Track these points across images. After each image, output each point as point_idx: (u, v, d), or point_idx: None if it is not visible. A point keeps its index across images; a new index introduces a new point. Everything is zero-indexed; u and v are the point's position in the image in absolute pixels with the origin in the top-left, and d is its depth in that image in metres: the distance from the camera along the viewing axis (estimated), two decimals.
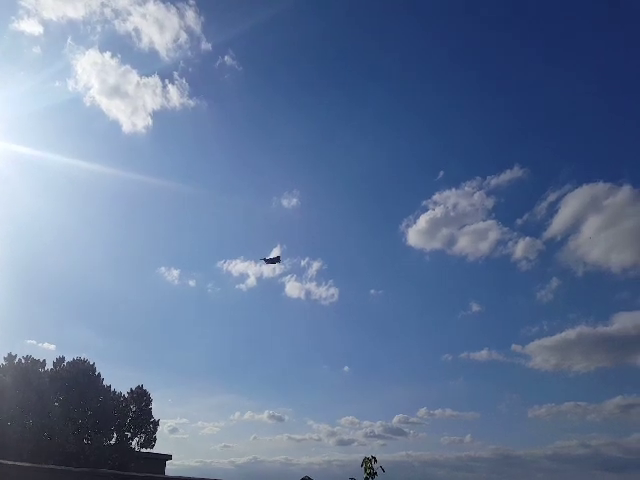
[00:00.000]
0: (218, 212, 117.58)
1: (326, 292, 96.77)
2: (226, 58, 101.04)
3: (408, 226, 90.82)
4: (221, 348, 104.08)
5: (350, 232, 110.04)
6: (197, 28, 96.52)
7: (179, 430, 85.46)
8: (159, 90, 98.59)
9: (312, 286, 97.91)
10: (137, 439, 40.56)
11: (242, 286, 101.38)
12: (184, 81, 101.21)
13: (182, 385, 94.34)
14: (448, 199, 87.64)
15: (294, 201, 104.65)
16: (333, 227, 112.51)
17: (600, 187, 75.87)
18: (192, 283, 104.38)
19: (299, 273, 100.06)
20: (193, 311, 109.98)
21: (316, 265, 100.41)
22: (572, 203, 76.68)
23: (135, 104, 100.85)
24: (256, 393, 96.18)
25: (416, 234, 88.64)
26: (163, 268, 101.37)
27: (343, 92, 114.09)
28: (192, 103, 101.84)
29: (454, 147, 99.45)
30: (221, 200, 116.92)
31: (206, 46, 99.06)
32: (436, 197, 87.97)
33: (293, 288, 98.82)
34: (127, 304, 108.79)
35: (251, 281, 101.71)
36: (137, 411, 41.22)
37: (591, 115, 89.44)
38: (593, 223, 76.21)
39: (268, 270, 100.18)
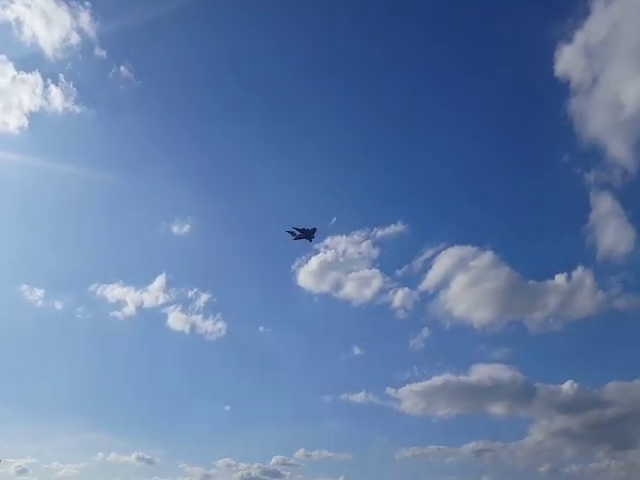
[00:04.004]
0: (95, 230, 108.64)
1: (213, 326, 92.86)
2: (122, 69, 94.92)
3: (300, 266, 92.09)
4: (87, 380, 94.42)
5: (242, 266, 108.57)
6: (91, 32, 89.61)
7: (29, 471, 79.50)
8: (39, 90, 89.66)
9: (198, 319, 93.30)
10: None
11: (118, 314, 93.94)
12: (71, 85, 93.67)
13: (36, 420, 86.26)
14: (339, 244, 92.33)
15: (186, 228, 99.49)
16: (225, 259, 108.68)
17: (468, 249, 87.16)
18: (59, 306, 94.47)
19: (185, 304, 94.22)
20: (57, 337, 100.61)
21: (204, 297, 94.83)
22: (444, 261, 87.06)
23: (8, 100, 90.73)
24: (124, 432, 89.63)
25: (306, 275, 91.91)
26: (25, 286, 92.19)
27: (246, 125, 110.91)
28: (78, 110, 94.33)
29: (349, 196, 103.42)
30: (100, 217, 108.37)
31: (100, 52, 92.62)
32: (328, 241, 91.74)
33: (177, 320, 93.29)
34: None
35: (129, 309, 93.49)
36: None
37: (465, 185, 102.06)
38: (460, 281, 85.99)
39: (150, 299, 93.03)
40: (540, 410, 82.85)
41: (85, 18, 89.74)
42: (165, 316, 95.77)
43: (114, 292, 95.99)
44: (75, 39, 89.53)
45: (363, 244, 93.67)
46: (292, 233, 65.83)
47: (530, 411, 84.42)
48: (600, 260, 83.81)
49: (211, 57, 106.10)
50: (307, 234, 63.89)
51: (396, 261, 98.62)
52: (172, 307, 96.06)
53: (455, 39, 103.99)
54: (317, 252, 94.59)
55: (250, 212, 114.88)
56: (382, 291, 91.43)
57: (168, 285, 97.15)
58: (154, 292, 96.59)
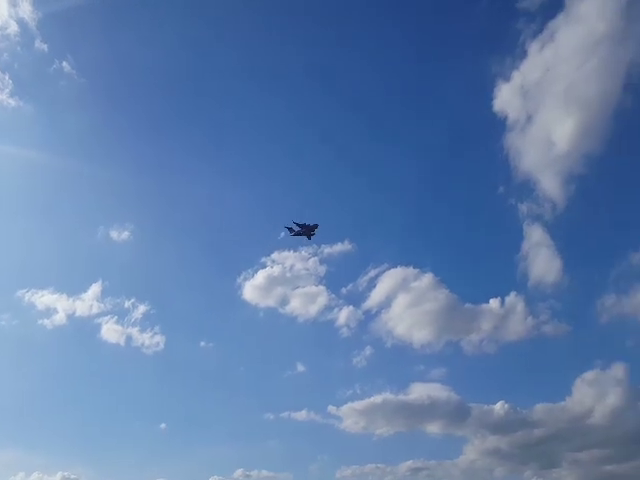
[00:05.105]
0: (26, 231, 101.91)
1: (150, 339, 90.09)
2: (64, 64, 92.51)
3: (246, 279, 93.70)
4: (10, 393, 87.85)
5: (184, 277, 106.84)
6: (32, 23, 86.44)
7: None
8: None
9: (135, 331, 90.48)
10: None
11: (47, 322, 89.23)
12: (7, 77, 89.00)
13: None
14: (286, 260, 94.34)
15: (125, 234, 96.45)
16: (166, 269, 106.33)
17: (410, 271, 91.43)
18: None
19: (121, 315, 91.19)
20: None
21: (142, 308, 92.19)
22: (387, 281, 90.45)
23: None
24: (49, 449, 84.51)
25: (252, 289, 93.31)
26: None
27: (195, 130, 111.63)
28: (13, 103, 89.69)
29: (298, 212, 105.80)
30: (32, 218, 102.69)
31: (41, 45, 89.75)
32: (275, 256, 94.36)
33: (111, 331, 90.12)
34: None
35: (59, 318, 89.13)
36: None
37: (408, 210, 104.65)
38: (402, 301, 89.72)
39: (83, 307, 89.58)
40: (473, 430, 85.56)
41: (26, 7, 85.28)
42: (99, 326, 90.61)
43: (44, 299, 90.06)
44: (13, 29, 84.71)
45: (310, 260, 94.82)
46: (290, 229, 63.84)
47: (464, 430, 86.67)
48: (531, 287, 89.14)
49: (160, 57, 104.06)
50: (307, 230, 61.79)
51: (342, 279, 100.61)
52: (107, 317, 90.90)
53: (402, 70, 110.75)
54: (264, 266, 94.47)
55: (195, 222, 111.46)
56: (327, 308, 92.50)
57: (103, 294, 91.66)
58: (88, 300, 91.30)
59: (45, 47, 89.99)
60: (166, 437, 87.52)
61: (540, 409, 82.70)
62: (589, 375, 79.86)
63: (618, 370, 78.03)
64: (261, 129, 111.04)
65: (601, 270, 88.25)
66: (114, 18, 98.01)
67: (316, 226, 62.66)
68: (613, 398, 76.70)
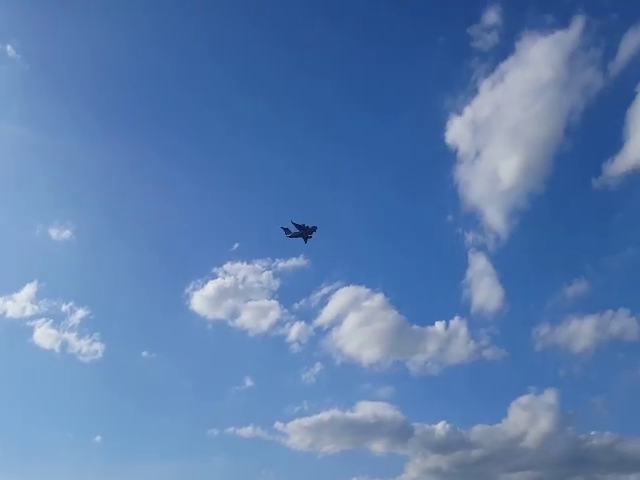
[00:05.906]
0: None
1: (88, 347, 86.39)
2: (8, 48, 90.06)
3: (195, 290, 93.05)
4: None
5: (129, 283, 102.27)
6: None
7: None
8: None
9: (72, 337, 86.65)
10: None
11: None
12: None
13: None
14: (239, 271, 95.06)
15: (66, 233, 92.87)
16: (110, 273, 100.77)
17: (362, 290, 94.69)
18: None
19: (57, 319, 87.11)
20: None
21: (81, 313, 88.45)
22: (339, 299, 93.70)
23: None
24: None
25: (201, 300, 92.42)
26: None
27: (152, 128, 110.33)
28: None
29: (254, 224, 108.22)
30: None
31: None
32: (227, 267, 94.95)
33: (45, 335, 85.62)
34: None
35: None
36: None
37: (363, 232, 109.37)
38: (353, 319, 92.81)
39: (14, 308, 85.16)
40: (416, 449, 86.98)
41: None
42: (31, 330, 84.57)
43: None
44: None
45: (264, 274, 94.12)
46: (286, 230, 62.14)
47: (407, 449, 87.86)
48: (473, 313, 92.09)
49: (112, 47, 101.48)
50: (305, 232, 60.51)
51: (295, 294, 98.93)
52: (41, 320, 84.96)
53: (361, 100, 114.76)
54: (215, 276, 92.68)
55: (144, 225, 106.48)
56: (279, 323, 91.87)
57: (38, 295, 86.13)
58: (20, 301, 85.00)
59: None
60: (101, 450, 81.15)
61: (478, 430, 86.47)
62: (524, 399, 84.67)
63: (550, 396, 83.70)
64: (221, 134, 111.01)
65: (538, 301, 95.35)
66: (66, 3, 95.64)
67: (315, 228, 61.32)
68: (545, 422, 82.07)
